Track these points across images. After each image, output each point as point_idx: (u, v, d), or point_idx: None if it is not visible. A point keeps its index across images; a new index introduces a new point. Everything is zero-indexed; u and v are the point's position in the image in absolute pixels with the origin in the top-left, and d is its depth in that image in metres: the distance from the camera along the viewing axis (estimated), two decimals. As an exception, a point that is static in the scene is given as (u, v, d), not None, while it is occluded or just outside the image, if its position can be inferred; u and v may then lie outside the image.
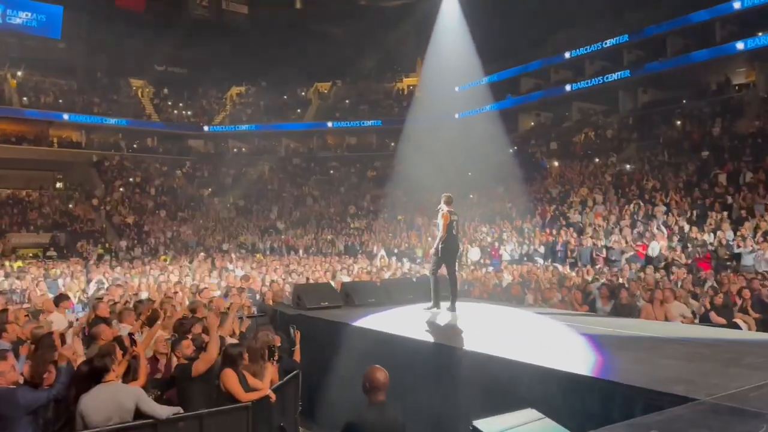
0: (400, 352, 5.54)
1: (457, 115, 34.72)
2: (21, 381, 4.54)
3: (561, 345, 5.64)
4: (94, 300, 9.54)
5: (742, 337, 6.33)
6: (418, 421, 4.84)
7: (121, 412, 4.42)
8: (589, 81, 30.47)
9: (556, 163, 28.75)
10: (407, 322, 6.96)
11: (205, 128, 41.08)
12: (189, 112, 42.43)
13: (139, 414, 4.50)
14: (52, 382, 4.60)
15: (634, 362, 4.76)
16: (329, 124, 40.33)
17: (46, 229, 29.73)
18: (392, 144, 35.53)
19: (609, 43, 29.58)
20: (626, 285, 9.77)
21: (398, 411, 3.92)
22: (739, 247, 13.91)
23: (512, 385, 4.49)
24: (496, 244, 20.01)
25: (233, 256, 24.19)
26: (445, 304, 7.70)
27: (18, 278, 14.25)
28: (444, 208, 7.65)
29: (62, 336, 7.20)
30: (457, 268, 8.28)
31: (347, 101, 41.89)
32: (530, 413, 3.84)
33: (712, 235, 15.21)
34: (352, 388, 5.56)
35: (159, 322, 6.01)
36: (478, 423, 3.63)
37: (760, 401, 3.52)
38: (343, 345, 6.65)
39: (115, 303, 8.85)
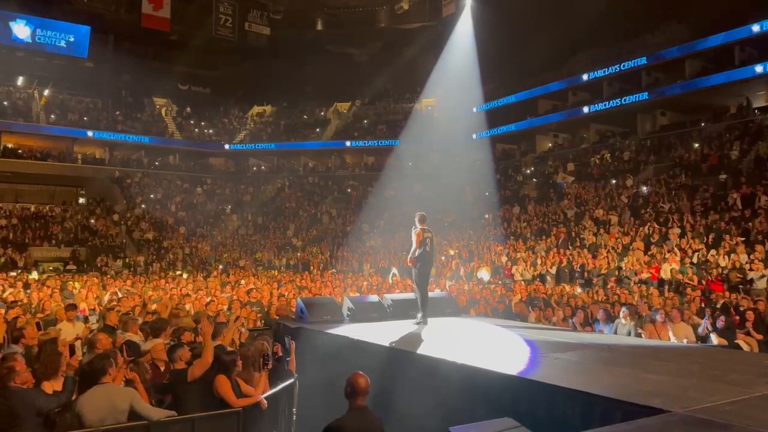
0: (386, 363, 5.63)
1: (474, 136, 34.90)
2: (33, 383, 4.72)
3: (543, 358, 5.68)
4: (106, 311, 9.79)
5: (734, 356, 6.30)
6: (399, 429, 4.91)
7: (115, 413, 4.57)
8: (607, 103, 30.46)
9: (573, 184, 28.67)
10: (398, 334, 7.09)
11: (226, 146, 41.74)
12: (210, 131, 43.20)
13: (134, 416, 4.65)
14: (60, 389, 4.76)
15: (618, 376, 4.79)
16: (347, 143, 40.73)
17: (67, 243, 30.33)
18: (409, 164, 35.78)
19: (627, 65, 29.61)
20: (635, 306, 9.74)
21: (378, 416, 4.01)
22: (751, 270, 13.75)
23: (490, 394, 4.55)
24: (509, 264, 19.97)
25: (251, 271, 24.46)
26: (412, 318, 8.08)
27: (36, 290, 14.64)
28: (418, 226, 8.08)
29: (71, 345, 7.48)
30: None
31: (365, 121, 42.29)
32: (507, 422, 3.91)
33: (726, 257, 15.06)
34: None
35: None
36: (455, 429, 3.72)
37: (732, 415, 3.55)
38: (341, 357, 6.76)
39: (126, 313, 9.09)
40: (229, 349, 6.23)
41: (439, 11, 37.96)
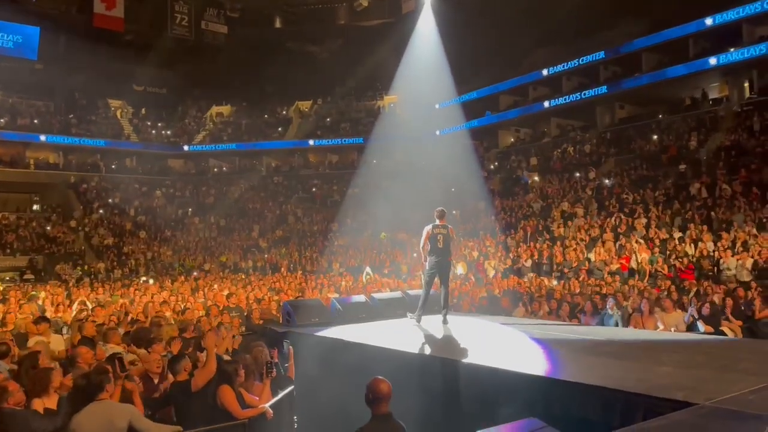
0: (397, 366, 5.51)
1: (438, 132, 35.02)
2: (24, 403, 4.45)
3: (556, 354, 5.66)
4: (77, 322, 9.37)
5: (733, 344, 6.42)
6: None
7: (113, 430, 4.33)
8: (567, 97, 30.99)
9: (536, 178, 29.08)
10: (400, 335, 6.96)
11: (185, 147, 40.85)
12: (168, 132, 42.17)
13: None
14: (52, 407, 4.50)
15: (631, 370, 4.79)
16: (311, 142, 40.39)
17: (23, 252, 29.17)
18: (374, 161, 35.67)
19: (585, 59, 30.19)
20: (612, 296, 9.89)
21: (401, 423, 3.90)
22: (720, 257, 14.15)
23: (513, 395, 4.49)
24: (481, 258, 20.08)
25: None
26: (435, 317, 7.79)
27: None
28: (435, 222, 7.81)
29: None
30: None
31: (328, 119, 42.00)
32: (533, 423, 3.85)
33: (693, 246, 15.48)
34: (346, 403, 5.54)
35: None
36: (482, 433, 3.64)
37: (760, 403, 3.57)
38: (337, 360, 6.62)
39: (101, 324, 8.72)
40: (225, 356, 6.05)
41: (398, 8, 37.85)
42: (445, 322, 7.63)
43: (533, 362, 5.10)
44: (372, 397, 3.83)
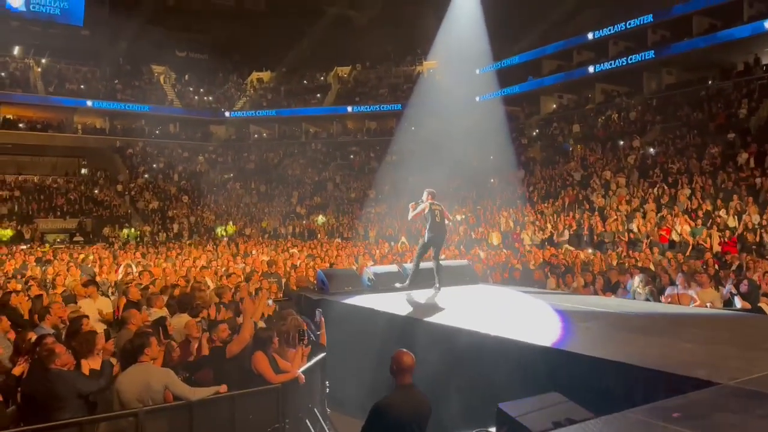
0: (424, 337, 5.65)
1: (477, 98, 34.50)
2: (73, 364, 4.72)
3: (581, 328, 5.70)
4: (124, 285, 9.78)
5: (762, 322, 6.33)
6: (445, 404, 4.96)
7: (150, 392, 4.59)
8: (612, 62, 30.06)
9: (578, 146, 28.49)
10: (427, 306, 7.10)
11: (227, 114, 41.38)
12: (210, 98, 42.74)
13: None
14: (97, 368, 4.78)
15: (654, 346, 4.81)
16: (349, 108, 40.32)
17: (72, 214, 30.32)
18: (412, 128, 35.49)
19: (633, 23, 29.13)
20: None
21: (424, 393, 4.03)
22: (764, 231, 13.75)
23: (537, 369, 4.57)
24: (518, 228, 19.96)
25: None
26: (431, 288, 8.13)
27: (47, 264, 14.65)
28: (426, 200, 8.31)
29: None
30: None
31: (367, 85, 41.79)
32: (555, 397, 3.93)
33: (736, 219, 15.05)
34: (376, 371, 5.72)
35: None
36: (503, 406, 3.74)
37: (783, 385, 3.57)
38: (368, 329, 6.79)
39: (146, 287, 9.10)
40: (260, 322, 6.28)
41: (440, -30, 37.05)
42: (438, 289, 8.07)
43: (557, 336, 5.16)
44: (396, 368, 3.97)
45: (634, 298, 8.32)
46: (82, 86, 37.80)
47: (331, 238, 26.50)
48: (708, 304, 7.55)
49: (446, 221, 8.53)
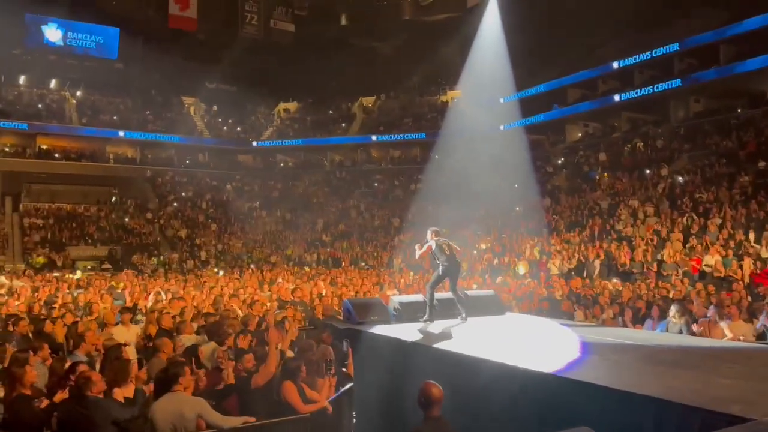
0: (451, 368, 5.63)
1: (502, 127, 34.59)
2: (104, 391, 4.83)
3: (611, 361, 5.62)
4: (152, 312, 9.91)
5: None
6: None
7: (184, 421, 4.65)
8: (638, 91, 29.97)
9: (605, 175, 28.28)
10: (454, 337, 7.07)
11: (254, 143, 42.13)
12: (238, 128, 43.59)
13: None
14: (130, 396, 4.88)
15: (687, 380, 4.73)
16: (374, 137, 40.74)
17: (103, 242, 30.95)
18: (436, 157, 35.65)
19: (659, 52, 29.09)
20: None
21: (453, 427, 4.04)
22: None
23: (566, 402, 4.53)
24: (544, 258, 19.78)
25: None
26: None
27: (81, 291, 14.94)
28: (432, 238, 8.16)
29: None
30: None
31: (391, 115, 42.24)
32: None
33: (769, 248, 14.76)
34: (403, 402, 5.71)
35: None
36: (532, 440, 3.72)
37: (820, 423, 3.49)
38: (395, 359, 6.77)
39: (177, 316, 9.22)
40: (288, 351, 6.33)
41: (463, 2, 37.60)
42: (464, 320, 7.88)
43: (587, 369, 5.10)
44: (424, 400, 3.99)
45: (668, 329, 8.19)
46: (114, 117, 38.93)
47: (356, 266, 26.56)
48: (741, 337, 7.40)
49: (455, 253, 8.39)
